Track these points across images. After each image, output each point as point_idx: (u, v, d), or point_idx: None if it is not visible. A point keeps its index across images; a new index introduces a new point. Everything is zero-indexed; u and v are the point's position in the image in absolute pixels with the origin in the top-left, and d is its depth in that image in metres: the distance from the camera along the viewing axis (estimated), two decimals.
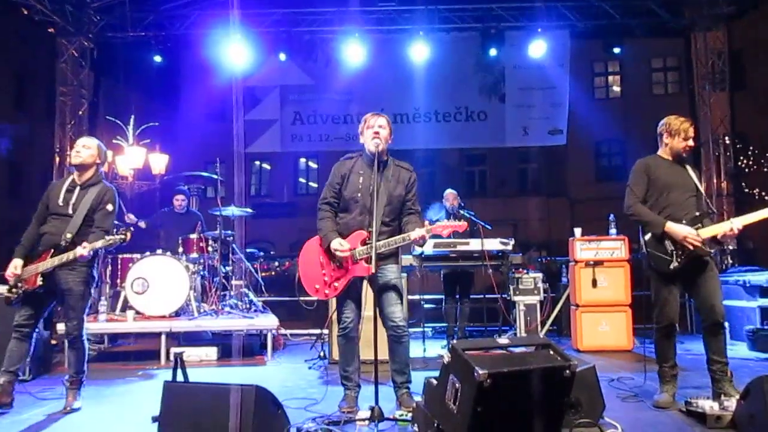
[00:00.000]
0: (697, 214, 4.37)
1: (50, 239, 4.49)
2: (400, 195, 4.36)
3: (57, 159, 10.32)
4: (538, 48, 10.30)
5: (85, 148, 4.59)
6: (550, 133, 11.31)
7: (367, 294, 4.39)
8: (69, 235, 4.44)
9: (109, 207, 4.58)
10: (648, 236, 4.42)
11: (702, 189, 4.54)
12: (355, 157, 4.46)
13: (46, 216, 4.58)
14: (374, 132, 4.28)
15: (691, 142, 4.51)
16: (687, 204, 4.41)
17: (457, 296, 7.54)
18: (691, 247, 4.21)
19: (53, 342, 4.66)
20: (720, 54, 10.31)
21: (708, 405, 3.92)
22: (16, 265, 4.49)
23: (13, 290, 4.48)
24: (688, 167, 4.56)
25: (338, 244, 4.22)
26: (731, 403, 3.87)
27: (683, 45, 11.76)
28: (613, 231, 7.23)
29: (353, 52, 10.14)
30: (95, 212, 4.54)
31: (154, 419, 3.71)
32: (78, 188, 4.55)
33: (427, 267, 7.06)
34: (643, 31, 10.63)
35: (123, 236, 4.51)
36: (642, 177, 4.51)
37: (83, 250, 4.38)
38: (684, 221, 4.31)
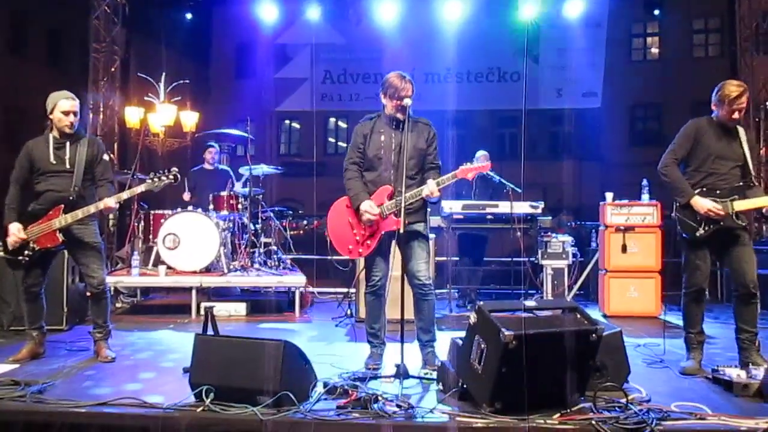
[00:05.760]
0: (740, 184, 4.24)
1: (56, 196, 4.46)
2: (422, 148, 4.34)
3: (90, 115, 10.43)
4: (575, 7, 10.01)
5: (75, 116, 4.53)
6: (584, 96, 11.12)
7: (395, 252, 4.42)
8: (77, 188, 4.48)
9: (105, 157, 4.69)
10: None
11: (750, 159, 4.31)
12: (374, 118, 4.46)
13: (31, 177, 4.53)
14: (402, 105, 4.22)
15: (736, 115, 4.23)
16: (730, 175, 4.26)
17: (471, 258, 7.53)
18: (713, 216, 4.12)
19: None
20: (765, 15, 9.90)
21: (735, 373, 3.89)
22: (18, 229, 4.41)
23: (25, 252, 4.42)
24: (741, 132, 4.34)
25: (368, 206, 4.22)
26: (759, 372, 3.83)
27: (726, 5, 11.31)
28: (645, 197, 7.10)
29: (385, 10, 9.98)
30: (92, 165, 4.59)
31: (185, 370, 3.82)
32: (68, 144, 4.53)
33: (455, 229, 7.06)
34: None
35: (172, 177, 4.54)
36: (689, 140, 4.33)
37: (111, 200, 4.45)
38: (718, 191, 4.20)
